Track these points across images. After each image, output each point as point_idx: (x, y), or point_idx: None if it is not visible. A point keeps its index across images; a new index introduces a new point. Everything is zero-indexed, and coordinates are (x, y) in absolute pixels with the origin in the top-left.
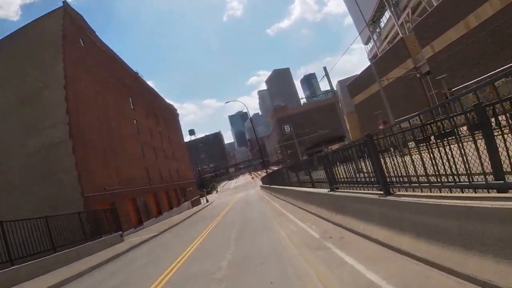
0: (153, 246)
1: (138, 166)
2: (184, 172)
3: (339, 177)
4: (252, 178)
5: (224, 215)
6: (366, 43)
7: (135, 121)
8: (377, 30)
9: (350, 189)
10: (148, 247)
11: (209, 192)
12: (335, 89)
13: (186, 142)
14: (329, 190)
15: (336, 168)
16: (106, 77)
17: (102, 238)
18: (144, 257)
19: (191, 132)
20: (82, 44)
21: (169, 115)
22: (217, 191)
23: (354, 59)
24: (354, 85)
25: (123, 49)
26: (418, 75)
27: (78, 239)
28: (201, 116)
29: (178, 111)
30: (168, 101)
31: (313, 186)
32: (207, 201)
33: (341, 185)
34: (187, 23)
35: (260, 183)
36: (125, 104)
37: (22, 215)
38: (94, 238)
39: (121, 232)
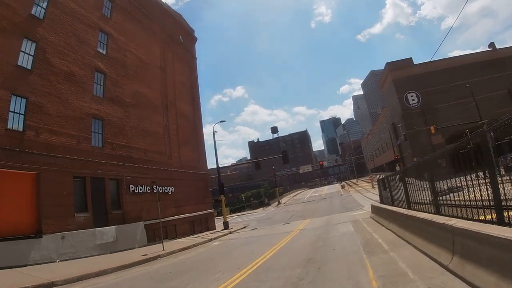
0: None
1: None
2: (177, 152)
3: None
4: (343, 187)
5: None
6: None
7: None
8: None
9: None
10: None
11: (261, 204)
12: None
13: (266, 140)
14: None
15: None
16: None
17: None
18: None
19: (274, 129)
20: None
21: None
22: (278, 203)
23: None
24: None
25: (213, 54)
26: None
27: None
28: (292, 123)
29: (269, 117)
30: (257, 107)
31: None
32: (226, 226)
33: None
34: (275, 31)
35: (365, 197)
36: None
37: None
38: None
39: None
